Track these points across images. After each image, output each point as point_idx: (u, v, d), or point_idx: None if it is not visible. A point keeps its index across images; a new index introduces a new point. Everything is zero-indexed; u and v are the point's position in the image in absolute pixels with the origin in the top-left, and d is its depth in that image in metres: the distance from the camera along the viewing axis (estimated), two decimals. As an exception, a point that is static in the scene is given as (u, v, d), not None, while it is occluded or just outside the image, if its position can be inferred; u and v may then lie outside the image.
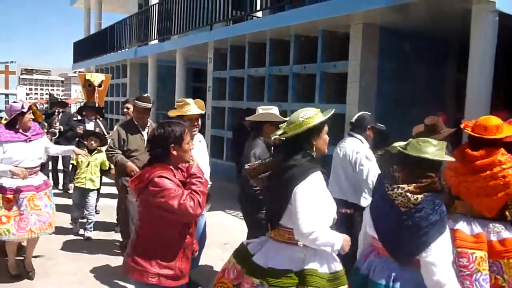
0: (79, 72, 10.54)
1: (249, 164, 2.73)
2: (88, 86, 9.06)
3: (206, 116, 10.73)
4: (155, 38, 13.30)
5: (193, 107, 4.23)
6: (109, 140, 5.17)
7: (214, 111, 10.83)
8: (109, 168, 6.03)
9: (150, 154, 2.60)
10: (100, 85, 9.10)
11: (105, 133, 7.15)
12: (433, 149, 2.38)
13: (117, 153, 4.89)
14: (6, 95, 32.88)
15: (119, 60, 15.95)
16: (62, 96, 71.67)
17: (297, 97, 8.63)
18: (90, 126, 7.25)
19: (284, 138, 2.54)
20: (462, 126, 3.23)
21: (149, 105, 4.97)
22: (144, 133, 5.08)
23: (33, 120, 4.59)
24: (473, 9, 5.68)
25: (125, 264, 2.63)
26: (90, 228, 5.89)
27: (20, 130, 4.33)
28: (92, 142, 6.01)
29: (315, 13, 7.26)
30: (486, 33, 5.61)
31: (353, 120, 4.31)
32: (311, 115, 2.47)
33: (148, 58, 13.62)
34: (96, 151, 6.01)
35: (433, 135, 3.84)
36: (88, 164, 5.90)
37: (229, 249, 5.36)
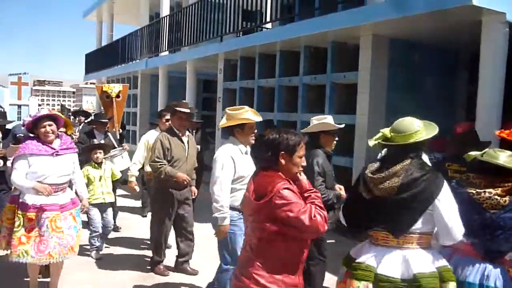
0: (96, 84, 10.27)
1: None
2: (106, 98, 8.73)
3: (217, 126, 10.79)
4: (166, 49, 13.43)
5: (251, 114, 3.99)
6: (155, 152, 4.82)
7: (224, 121, 10.86)
8: (125, 180, 5.94)
9: (256, 157, 2.54)
10: (118, 96, 8.80)
11: (115, 146, 6.97)
12: (505, 157, 2.68)
13: (164, 164, 4.68)
14: (19, 106, 33.20)
15: (130, 72, 16.11)
16: (73, 107, 72.49)
17: (307, 107, 8.66)
18: (100, 140, 7.04)
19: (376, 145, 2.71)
20: (497, 133, 3.70)
21: (193, 110, 4.89)
22: (185, 141, 4.92)
23: (65, 132, 4.45)
24: (483, 20, 5.68)
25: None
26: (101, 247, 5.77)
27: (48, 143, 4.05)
28: (97, 155, 5.76)
29: (324, 25, 7.30)
30: (496, 44, 5.60)
31: None
32: (422, 125, 2.64)
33: (159, 69, 13.75)
34: (103, 163, 5.84)
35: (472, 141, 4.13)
36: (100, 178, 5.71)
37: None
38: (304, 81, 8.63)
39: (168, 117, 5.72)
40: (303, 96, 8.65)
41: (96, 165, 5.72)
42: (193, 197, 5.20)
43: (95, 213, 5.64)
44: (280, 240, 2.30)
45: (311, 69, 8.58)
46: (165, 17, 13.40)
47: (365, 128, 7.29)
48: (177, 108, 4.86)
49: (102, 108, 9.48)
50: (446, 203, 2.44)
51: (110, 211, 5.81)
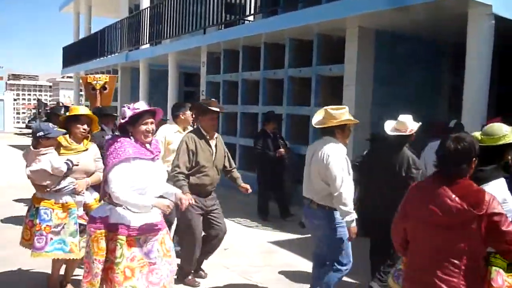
0: (80, 75, 9.47)
1: None
2: (92, 90, 7.98)
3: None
4: (147, 42, 13.20)
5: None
6: (179, 158, 4.21)
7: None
8: None
9: (443, 169, 2.36)
10: (104, 88, 8.03)
11: None
12: None
13: (182, 178, 4.11)
14: (-6, 101, 32.43)
15: (110, 65, 15.82)
16: (50, 101, 70.98)
17: (292, 100, 8.61)
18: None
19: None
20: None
21: (223, 109, 4.40)
22: (213, 145, 4.33)
23: (89, 132, 3.94)
24: (469, 12, 5.69)
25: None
26: None
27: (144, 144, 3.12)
28: None
29: (309, 17, 7.25)
30: (482, 36, 5.62)
31: None
32: (510, 130, 2.77)
33: (139, 62, 13.52)
34: None
35: None
36: None
37: (230, 254, 5.30)
38: (289, 74, 8.57)
39: (182, 115, 5.14)
40: (289, 89, 8.60)
41: None
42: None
43: None
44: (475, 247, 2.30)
45: (296, 61, 8.52)
46: (146, 9, 13.16)
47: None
48: (211, 108, 4.25)
49: (87, 101, 8.98)
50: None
51: None
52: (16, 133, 31.09)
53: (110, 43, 15.78)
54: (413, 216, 2.48)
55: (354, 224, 3.51)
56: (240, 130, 9.77)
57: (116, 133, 4.84)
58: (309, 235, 6.03)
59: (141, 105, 3.10)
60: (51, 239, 3.72)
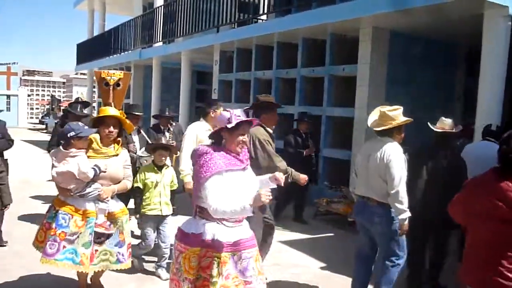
0: (94, 70, 9.30)
1: None
2: (105, 85, 7.45)
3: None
4: (160, 40, 13.27)
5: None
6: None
7: (220, 114, 10.79)
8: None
9: (505, 165, 2.45)
10: (118, 84, 7.45)
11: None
12: None
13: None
14: (8, 96, 32.86)
15: (123, 62, 15.92)
16: (63, 97, 71.67)
17: (305, 100, 8.60)
18: (135, 139, 5.70)
19: None
20: None
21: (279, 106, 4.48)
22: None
23: (119, 133, 3.73)
24: (485, 14, 5.64)
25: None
26: (165, 264, 4.56)
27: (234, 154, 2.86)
28: (163, 157, 4.68)
29: (323, 17, 7.23)
30: (498, 38, 5.56)
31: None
32: None
33: (152, 60, 13.59)
34: (165, 167, 4.71)
35: None
36: (157, 184, 4.57)
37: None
38: (302, 73, 8.56)
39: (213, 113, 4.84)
40: (301, 88, 8.59)
41: (156, 168, 4.63)
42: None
43: (149, 227, 4.57)
44: None
45: (309, 61, 8.51)
46: (159, 7, 13.22)
47: (364, 121, 7.23)
48: (275, 103, 4.38)
49: (100, 97, 8.99)
50: None
51: (167, 223, 4.64)
52: (29, 129, 31.48)
53: (124, 41, 15.88)
54: (471, 211, 2.55)
55: (407, 221, 3.63)
56: (251, 129, 9.76)
57: (140, 131, 5.15)
58: (318, 235, 6.07)
59: (242, 114, 2.84)
60: (64, 247, 3.52)
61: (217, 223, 2.77)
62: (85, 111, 7.10)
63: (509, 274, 2.39)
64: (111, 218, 3.68)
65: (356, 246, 4.09)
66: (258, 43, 9.57)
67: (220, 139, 2.86)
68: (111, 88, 7.97)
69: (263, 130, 4.38)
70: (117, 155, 3.73)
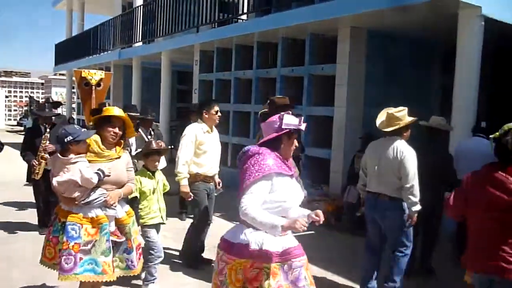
0: (74, 70, 8.96)
1: None
2: (85, 85, 7.53)
3: (193, 118, 10.68)
4: (140, 40, 13.18)
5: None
6: None
7: (201, 114, 10.77)
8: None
9: (502, 160, 2.76)
10: (98, 84, 7.61)
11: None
12: None
13: None
14: (-15, 98, 32.18)
15: (103, 62, 15.77)
16: (41, 98, 70.18)
17: (285, 99, 8.64)
18: (132, 140, 5.40)
19: None
20: None
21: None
22: None
23: (121, 137, 3.50)
24: (460, 14, 5.77)
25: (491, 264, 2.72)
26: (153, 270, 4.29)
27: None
28: (156, 162, 4.38)
29: (302, 17, 7.28)
30: (472, 37, 5.70)
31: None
32: None
33: (132, 60, 13.49)
34: (157, 172, 4.45)
35: None
36: (154, 190, 4.35)
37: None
38: (282, 72, 8.61)
39: (215, 113, 4.72)
40: (281, 88, 8.63)
41: (150, 174, 4.37)
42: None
43: (154, 235, 4.30)
44: None
45: (289, 61, 8.57)
46: (139, 7, 13.14)
47: (343, 120, 7.33)
48: (287, 103, 4.52)
49: (79, 97, 8.43)
50: None
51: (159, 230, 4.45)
52: (7, 131, 30.89)
53: (103, 41, 15.74)
54: (473, 203, 2.83)
55: (417, 213, 3.97)
56: (232, 129, 9.79)
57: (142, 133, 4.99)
58: (299, 234, 6.05)
59: (298, 122, 2.74)
60: (81, 259, 3.23)
61: (265, 231, 2.59)
62: (58, 110, 6.97)
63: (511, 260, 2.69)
64: (119, 224, 3.47)
65: (366, 239, 4.30)
66: (238, 43, 9.58)
67: (279, 143, 2.74)
68: (92, 89, 7.85)
69: None
70: (119, 157, 3.49)
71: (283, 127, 2.69)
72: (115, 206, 3.41)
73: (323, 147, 7.85)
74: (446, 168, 4.49)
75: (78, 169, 3.26)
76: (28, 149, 5.78)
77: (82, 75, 7.69)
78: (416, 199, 3.89)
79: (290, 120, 2.70)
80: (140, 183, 4.22)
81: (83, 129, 3.45)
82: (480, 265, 2.83)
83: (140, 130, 5.68)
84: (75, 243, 3.22)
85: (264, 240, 2.57)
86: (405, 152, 3.90)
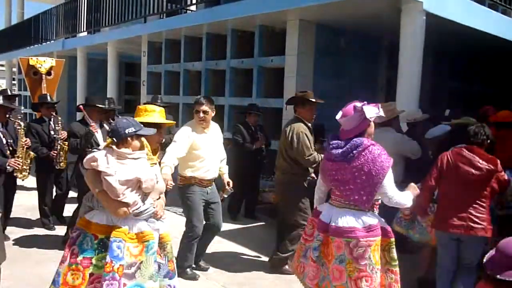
0: (20, 58, 8.33)
1: None
2: (33, 75, 7.12)
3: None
4: (84, 30, 12.70)
5: None
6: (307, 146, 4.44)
7: (149, 106, 10.55)
8: None
9: (471, 143, 3.66)
10: (49, 73, 7.22)
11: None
12: None
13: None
14: None
15: (45, 53, 14.95)
16: (-21, 90, 66.21)
17: (235, 91, 8.62)
18: (99, 136, 4.90)
19: None
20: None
21: (319, 100, 4.64)
22: None
23: None
24: (403, 8, 5.94)
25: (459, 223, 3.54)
26: None
27: None
28: None
29: (251, 8, 7.25)
30: (414, 31, 5.89)
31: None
32: None
33: (77, 51, 12.98)
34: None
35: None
36: None
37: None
38: (231, 64, 8.56)
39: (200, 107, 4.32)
40: (231, 80, 8.59)
41: None
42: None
43: None
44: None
45: (238, 53, 8.52)
46: (83, -5, 12.64)
47: (293, 112, 7.38)
48: (312, 99, 4.53)
49: (28, 87, 7.79)
50: None
51: None
52: None
53: (45, 30, 15.03)
54: (447, 174, 3.65)
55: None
56: (182, 121, 9.65)
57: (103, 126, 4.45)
58: (249, 225, 6.13)
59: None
60: (124, 285, 2.69)
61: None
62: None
63: (476, 219, 3.51)
64: (160, 242, 2.96)
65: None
66: (187, 34, 9.43)
67: (363, 133, 2.99)
68: (43, 77, 7.16)
69: (303, 124, 4.53)
70: (156, 163, 3.14)
71: (368, 117, 2.92)
72: (164, 218, 2.98)
73: (273, 138, 7.89)
74: (423, 156, 4.90)
75: (141, 167, 2.76)
76: None
77: (30, 63, 7.21)
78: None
79: (371, 110, 2.92)
80: None
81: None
82: (449, 225, 3.57)
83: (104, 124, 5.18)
84: (120, 264, 2.67)
85: (380, 218, 3.06)
86: (402, 136, 4.81)
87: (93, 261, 2.73)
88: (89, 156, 2.79)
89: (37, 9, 16.17)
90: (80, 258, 2.73)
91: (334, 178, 2.98)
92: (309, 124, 4.57)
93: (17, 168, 5.04)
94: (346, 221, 2.88)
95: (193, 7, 9.50)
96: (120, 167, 2.70)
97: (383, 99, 8.63)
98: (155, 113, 3.20)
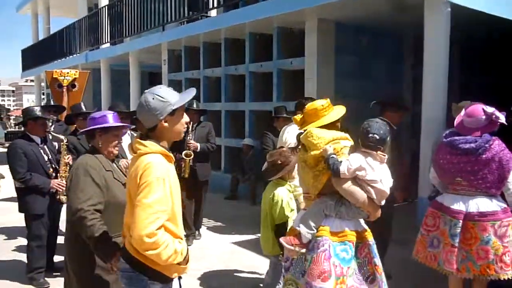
0: (46, 71, 8.29)
1: None
2: (58, 87, 7.08)
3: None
4: (107, 41, 12.82)
5: None
6: None
7: (171, 114, 10.51)
8: None
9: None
10: (73, 85, 7.11)
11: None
12: None
13: None
14: (-48, 107, 31.17)
15: (70, 66, 15.26)
16: (13, 106, 68.58)
17: (255, 96, 8.46)
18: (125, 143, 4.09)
19: None
20: None
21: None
22: None
23: None
24: (425, 1, 5.64)
25: None
26: None
27: None
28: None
29: (269, 10, 7.09)
30: (439, 25, 5.56)
31: None
32: None
33: (100, 62, 13.12)
34: None
35: None
36: None
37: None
38: (250, 69, 8.41)
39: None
40: (250, 84, 8.44)
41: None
42: None
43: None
44: None
45: (257, 56, 8.38)
46: (104, 8, 12.77)
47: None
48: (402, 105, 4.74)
49: (52, 100, 7.67)
50: None
51: None
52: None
53: (70, 44, 15.29)
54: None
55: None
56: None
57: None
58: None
59: None
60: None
61: None
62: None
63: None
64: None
65: None
66: (205, 40, 9.35)
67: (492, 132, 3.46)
68: (65, 90, 7.07)
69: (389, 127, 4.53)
70: None
71: (501, 121, 3.38)
72: None
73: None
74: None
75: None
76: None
77: (54, 76, 7.17)
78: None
79: (502, 116, 3.41)
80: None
81: None
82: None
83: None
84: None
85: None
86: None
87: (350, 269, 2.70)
88: (351, 165, 2.68)
89: (62, 23, 16.48)
90: (346, 268, 2.66)
91: (462, 170, 3.38)
92: (395, 128, 4.54)
93: (61, 190, 4.44)
94: (487, 206, 3.34)
95: (213, 13, 9.41)
96: (380, 172, 2.74)
97: (411, 99, 8.30)
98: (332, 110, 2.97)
